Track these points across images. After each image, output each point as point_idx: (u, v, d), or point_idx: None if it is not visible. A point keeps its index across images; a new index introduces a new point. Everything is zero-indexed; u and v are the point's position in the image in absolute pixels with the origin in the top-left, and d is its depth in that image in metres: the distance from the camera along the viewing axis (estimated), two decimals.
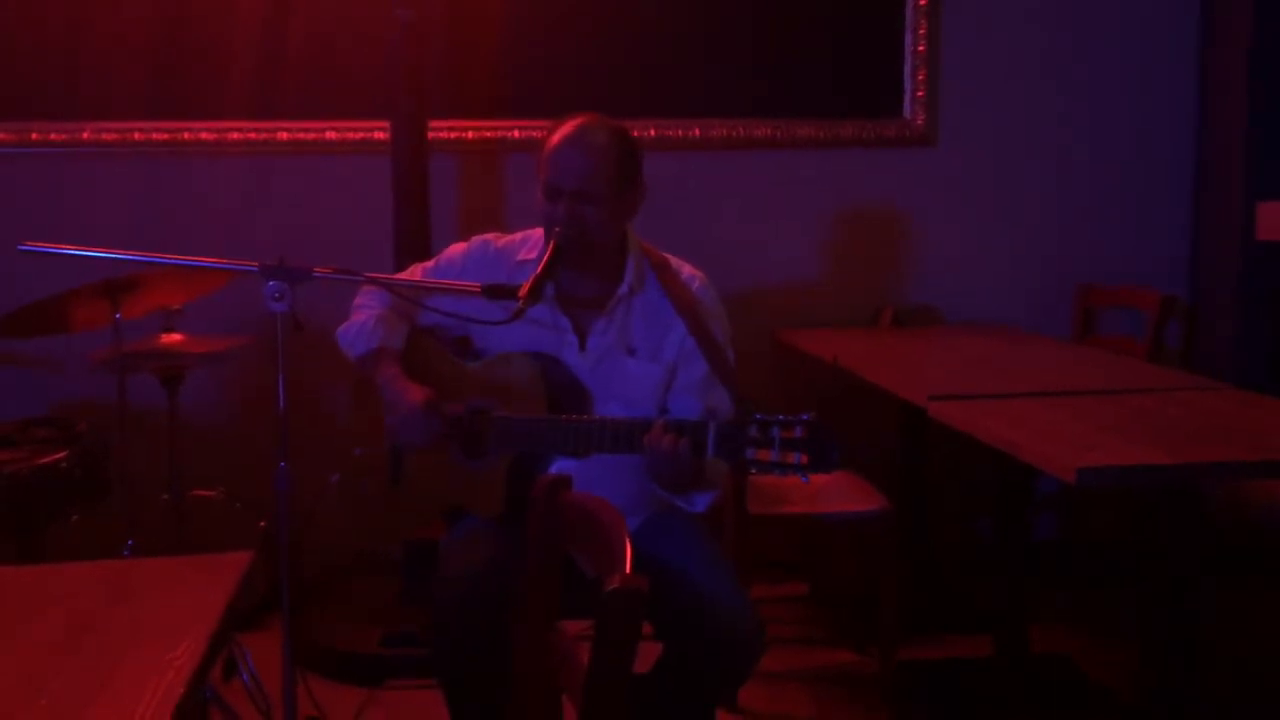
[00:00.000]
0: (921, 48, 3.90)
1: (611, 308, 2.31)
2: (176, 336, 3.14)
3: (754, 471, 2.04)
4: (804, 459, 1.97)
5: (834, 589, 3.68)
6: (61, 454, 3.12)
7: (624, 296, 2.31)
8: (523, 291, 2.14)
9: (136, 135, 3.66)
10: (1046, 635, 3.20)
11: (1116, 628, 3.38)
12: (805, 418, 1.98)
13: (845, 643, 3.37)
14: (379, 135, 3.63)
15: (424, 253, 3.25)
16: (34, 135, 3.64)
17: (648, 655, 2.10)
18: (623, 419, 2.13)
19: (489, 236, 2.43)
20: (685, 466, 2.05)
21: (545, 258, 2.20)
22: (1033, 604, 2.96)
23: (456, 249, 2.44)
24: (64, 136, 3.64)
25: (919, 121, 3.94)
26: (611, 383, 2.28)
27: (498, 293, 2.15)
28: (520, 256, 2.36)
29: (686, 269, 2.36)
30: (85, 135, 3.65)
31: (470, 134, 3.77)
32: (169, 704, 1.29)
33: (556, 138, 2.26)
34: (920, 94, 3.92)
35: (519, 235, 2.40)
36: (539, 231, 2.34)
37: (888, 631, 3.08)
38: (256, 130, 3.69)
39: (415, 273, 2.46)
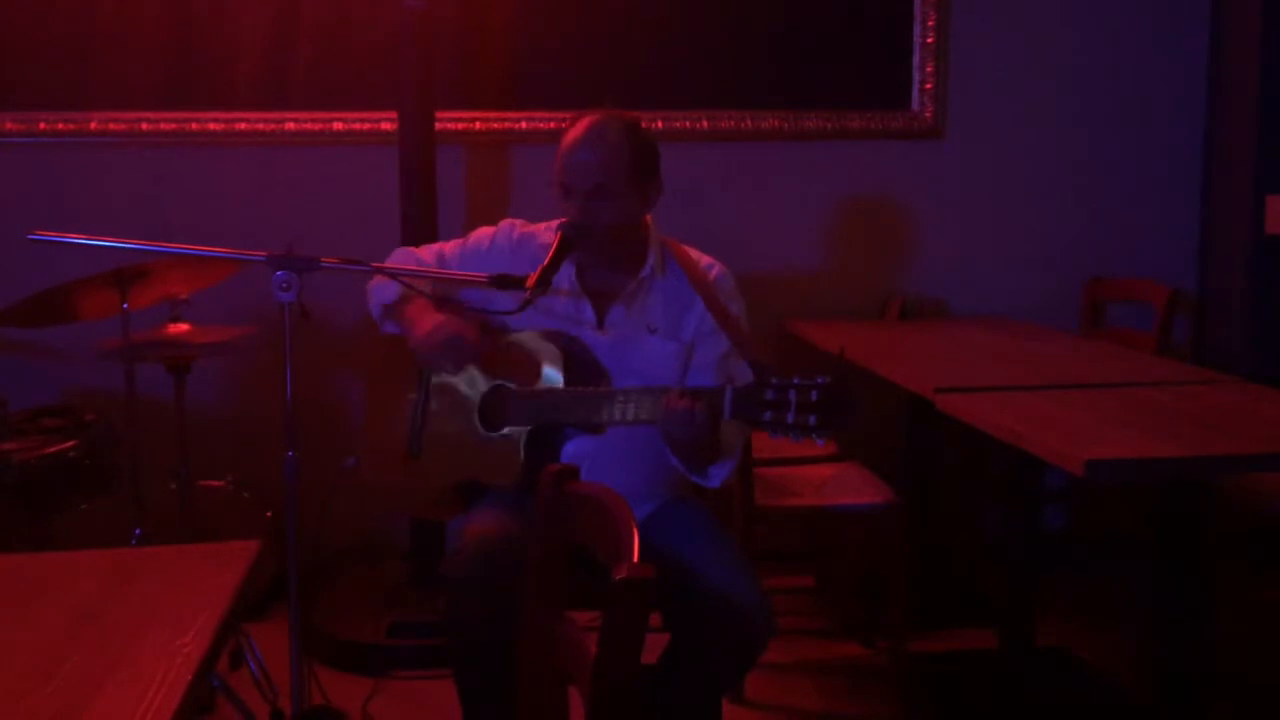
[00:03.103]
0: (930, 40, 3.89)
1: (632, 290, 2.33)
2: (184, 326, 3.14)
3: (771, 434, 2.03)
4: (818, 420, 1.95)
5: (840, 581, 3.68)
6: (70, 443, 3.13)
7: (645, 279, 2.34)
8: (530, 282, 2.15)
9: (144, 125, 3.66)
10: (1053, 628, 3.20)
11: (1123, 621, 3.37)
12: (821, 380, 1.96)
13: (852, 635, 3.37)
14: (386, 126, 3.63)
15: (430, 242, 3.25)
16: (41, 125, 3.64)
17: (655, 646, 2.10)
18: (634, 389, 2.14)
19: (515, 221, 2.46)
20: (702, 430, 2.05)
21: (552, 251, 2.22)
22: (1040, 596, 2.95)
23: (484, 232, 2.46)
24: (72, 126, 3.65)
25: (927, 114, 3.93)
26: (631, 360, 2.30)
27: (506, 283, 2.16)
28: (543, 240, 2.38)
29: (705, 259, 2.40)
30: (93, 125, 3.65)
31: (478, 125, 3.77)
32: (177, 691, 1.30)
33: (570, 137, 2.27)
34: (928, 86, 3.91)
35: (543, 224, 2.41)
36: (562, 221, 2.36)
37: (894, 624, 3.08)
38: (264, 121, 3.69)
39: (444, 249, 2.48)
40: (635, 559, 1.35)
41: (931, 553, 3.61)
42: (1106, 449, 2.14)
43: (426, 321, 2.29)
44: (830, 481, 3.13)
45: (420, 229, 3.35)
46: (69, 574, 1.68)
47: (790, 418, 1.96)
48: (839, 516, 3.08)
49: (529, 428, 2.25)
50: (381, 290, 2.41)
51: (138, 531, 2.99)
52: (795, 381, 1.97)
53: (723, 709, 2.31)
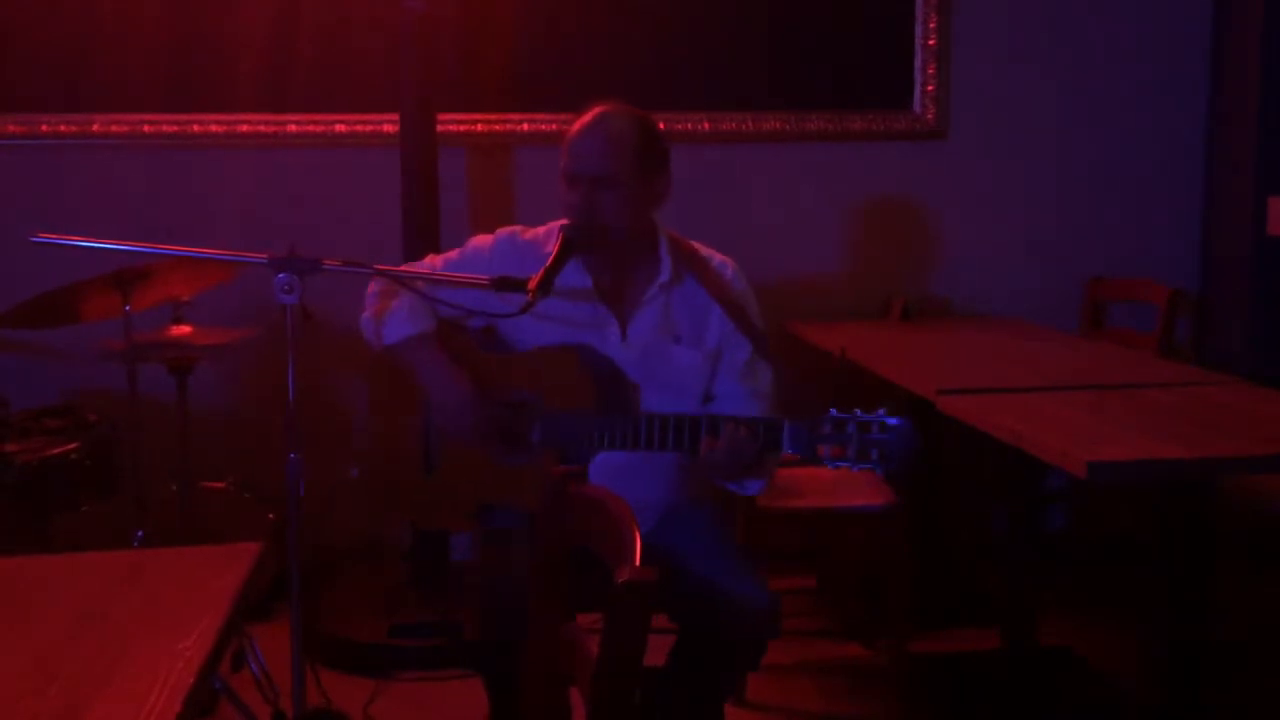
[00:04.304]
0: (932, 41, 3.90)
1: (652, 298, 2.30)
2: (186, 328, 3.14)
3: (829, 466, 2.04)
4: (880, 454, 1.99)
5: (842, 582, 3.68)
6: (72, 444, 3.13)
7: (665, 285, 2.30)
8: (532, 284, 2.12)
9: (146, 128, 3.67)
10: (1054, 628, 3.19)
11: (1125, 621, 3.37)
12: (880, 414, 2.00)
13: (853, 635, 3.37)
14: (388, 128, 3.63)
15: (432, 245, 3.25)
16: (44, 127, 3.64)
17: (657, 647, 2.10)
18: (682, 415, 2.12)
19: (515, 229, 2.40)
20: (746, 464, 2.08)
21: (554, 251, 2.19)
22: (1041, 596, 2.95)
23: (483, 240, 2.40)
24: (74, 129, 3.65)
25: (929, 115, 3.93)
26: (658, 372, 2.27)
27: (508, 286, 2.14)
28: (548, 248, 2.33)
29: (717, 257, 2.38)
30: (95, 127, 3.66)
31: (479, 126, 3.77)
32: (179, 693, 1.30)
33: (577, 125, 2.26)
34: (930, 88, 3.92)
35: (543, 229, 2.38)
36: (560, 223, 2.34)
37: (895, 624, 3.08)
38: (266, 123, 3.70)
39: (435, 262, 2.41)
40: (637, 561, 1.36)
41: (933, 553, 3.61)
42: (1108, 450, 2.14)
43: (438, 391, 2.24)
44: (831, 483, 3.13)
45: (422, 231, 3.35)
46: (71, 575, 1.68)
47: (851, 452, 2.00)
48: (840, 517, 3.08)
49: (557, 451, 2.20)
50: (379, 330, 2.33)
51: (139, 533, 2.99)
52: (857, 415, 2.00)
53: (724, 711, 2.30)
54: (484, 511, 2.33)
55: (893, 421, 1.98)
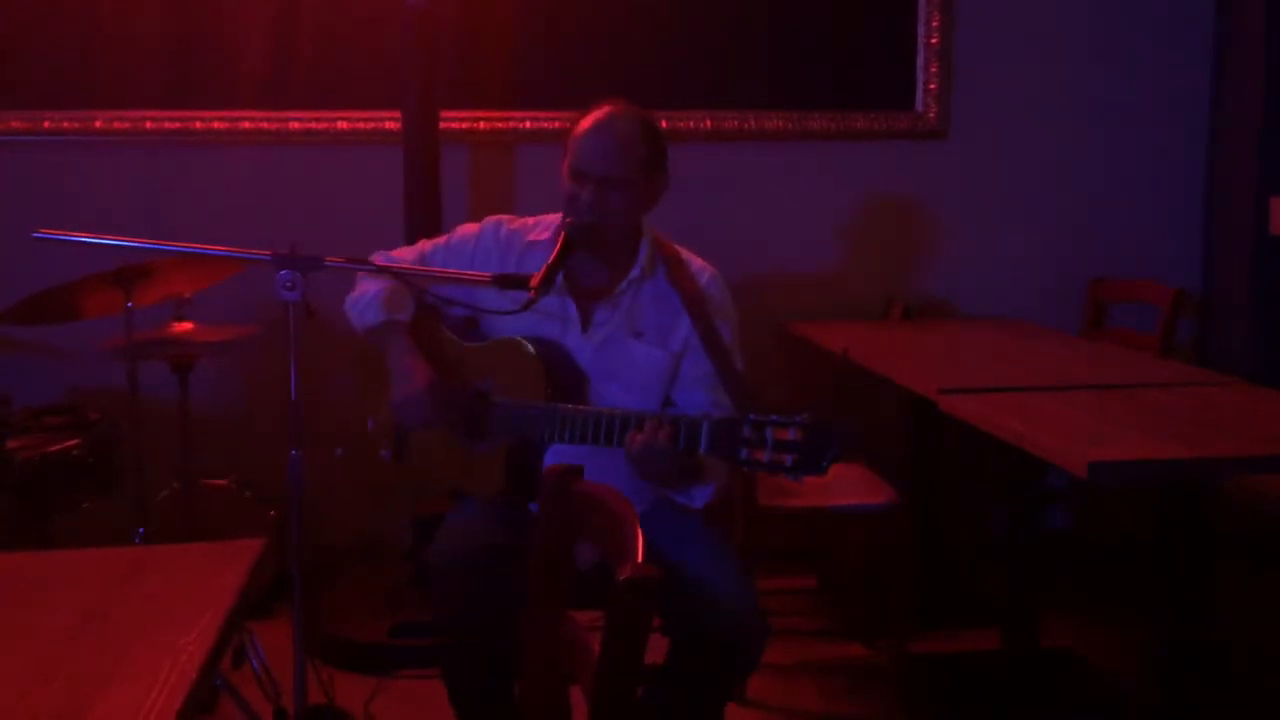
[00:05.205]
0: (934, 40, 3.89)
1: (620, 294, 2.31)
2: (187, 325, 3.14)
3: (747, 470, 2.01)
4: (795, 460, 1.94)
5: (843, 581, 3.68)
6: (73, 442, 3.13)
7: (635, 281, 2.30)
8: (534, 282, 2.14)
9: (148, 124, 3.67)
10: (1055, 628, 3.20)
11: (1125, 621, 3.37)
12: (799, 419, 1.94)
13: (853, 635, 3.37)
14: (390, 125, 3.63)
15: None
16: (46, 124, 3.65)
17: (656, 646, 2.10)
18: (617, 411, 2.12)
19: (502, 218, 2.43)
20: (668, 462, 2.05)
21: (556, 249, 2.21)
22: (1041, 596, 2.95)
23: (469, 229, 2.44)
24: (76, 125, 3.65)
25: (931, 114, 3.93)
26: (616, 366, 2.28)
27: (509, 283, 2.15)
28: (531, 238, 2.36)
29: (697, 261, 2.36)
30: (97, 124, 3.66)
31: (482, 124, 3.77)
32: (181, 690, 1.30)
33: (586, 123, 2.26)
34: (932, 87, 3.91)
35: (531, 219, 2.40)
36: (552, 216, 2.35)
37: (896, 624, 3.08)
38: (268, 120, 3.70)
39: (425, 248, 2.45)
40: (640, 559, 1.36)
41: (934, 553, 3.61)
42: (1109, 450, 2.14)
43: (398, 378, 2.28)
44: (832, 482, 3.13)
45: (424, 228, 3.34)
46: (72, 573, 1.68)
47: (766, 457, 1.94)
48: (841, 517, 3.07)
49: (509, 440, 2.23)
50: (359, 314, 2.38)
51: (141, 530, 2.99)
52: (773, 418, 1.95)
53: (724, 711, 2.30)
54: (453, 498, 2.36)
55: (806, 426, 1.92)
